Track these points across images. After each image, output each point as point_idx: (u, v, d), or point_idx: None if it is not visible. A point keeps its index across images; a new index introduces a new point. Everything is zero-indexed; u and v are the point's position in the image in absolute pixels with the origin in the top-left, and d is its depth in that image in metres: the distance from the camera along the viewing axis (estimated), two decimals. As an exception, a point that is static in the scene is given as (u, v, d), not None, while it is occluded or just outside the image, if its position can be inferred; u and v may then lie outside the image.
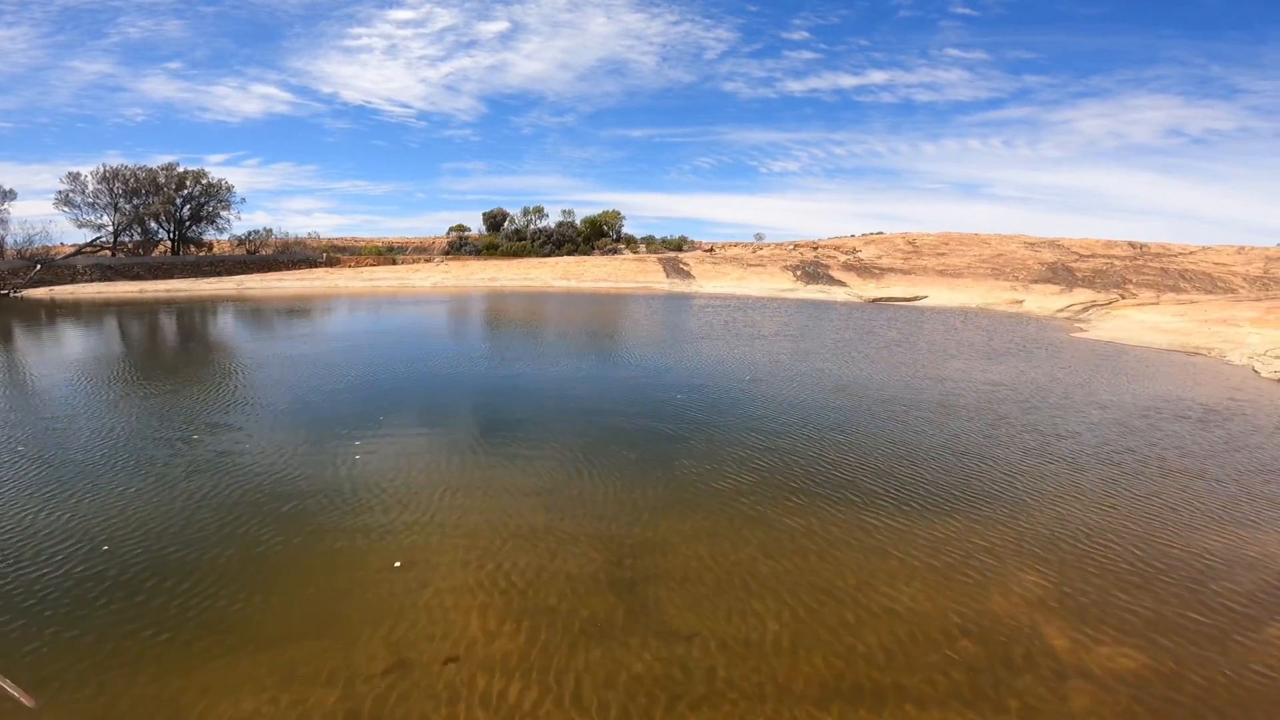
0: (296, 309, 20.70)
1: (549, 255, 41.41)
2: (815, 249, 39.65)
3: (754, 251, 42.14)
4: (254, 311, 20.33)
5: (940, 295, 25.32)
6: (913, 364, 11.29)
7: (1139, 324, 17.92)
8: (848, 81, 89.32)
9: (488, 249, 43.98)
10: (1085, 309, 22.37)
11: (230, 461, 5.86)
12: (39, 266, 30.66)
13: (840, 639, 3.40)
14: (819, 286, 28.32)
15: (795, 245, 43.38)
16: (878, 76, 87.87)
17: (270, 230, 43.56)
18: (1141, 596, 3.89)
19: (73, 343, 14.60)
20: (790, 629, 3.47)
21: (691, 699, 2.91)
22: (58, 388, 9.33)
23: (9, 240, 33.98)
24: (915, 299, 25.34)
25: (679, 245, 48.34)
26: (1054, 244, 34.25)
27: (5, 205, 34.33)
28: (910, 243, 37.50)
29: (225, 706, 2.81)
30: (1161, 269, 28.14)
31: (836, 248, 38.71)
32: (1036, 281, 26.96)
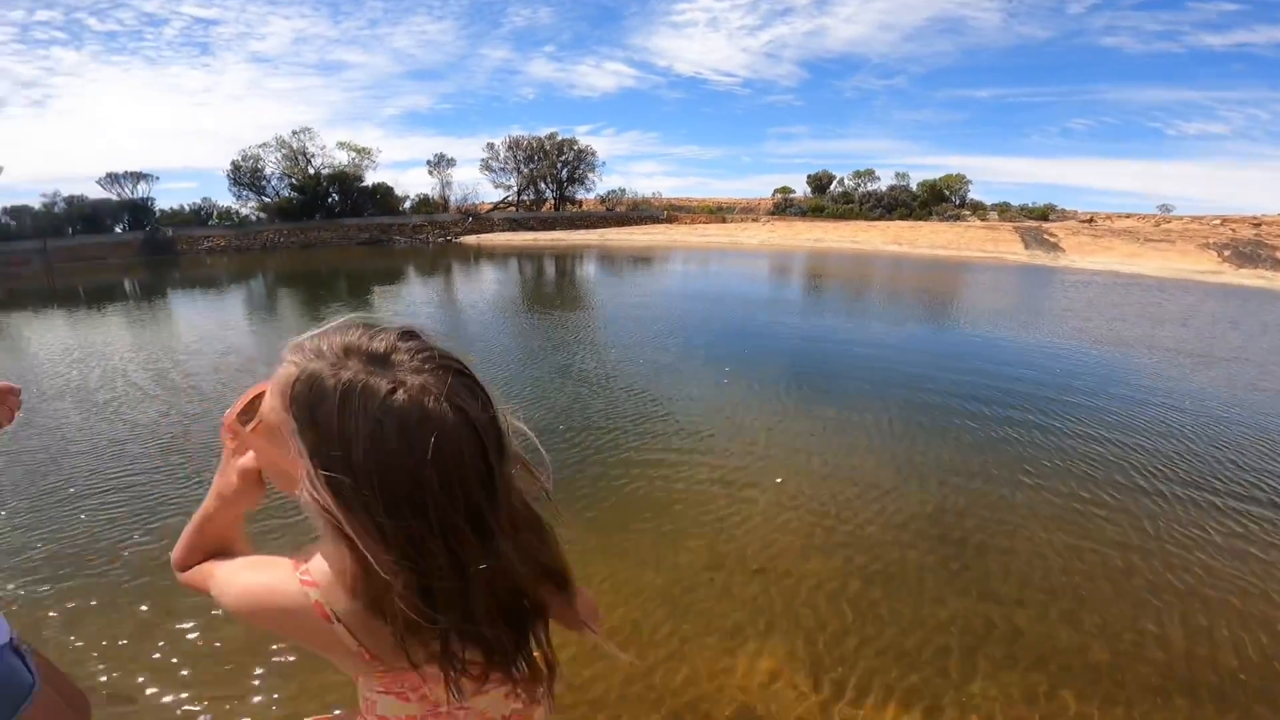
0: (648, 258, 23.52)
1: (879, 219, 38.96)
2: (1256, 226, 29.47)
3: (1155, 225, 33.30)
4: (613, 259, 23.74)
5: None
6: None
7: None
8: (1299, 34, 62.26)
9: (813, 211, 43.37)
10: None
11: (613, 377, 7.05)
12: (470, 219, 40.46)
13: (1186, 638, 2.78)
14: (1258, 271, 21.04)
15: (1223, 220, 32.96)
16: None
17: (624, 190, 49.97)
18: None
19: (502, 277, 19.11)
20: (1123, 618, 2.92)
21: (999, 659, 2.64)
22: (499, 312, 12.37)
23: (451, 198, 45.55)
24: None
25: (1044, 214, 40.80)
26: None
27: (449, 170, 46.03)
28: None
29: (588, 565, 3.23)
30: None
31: (1298, 223, 28.16)
32: None
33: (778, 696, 2.38)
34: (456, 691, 0.71)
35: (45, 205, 32.50)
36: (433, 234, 36.48)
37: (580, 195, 49.17)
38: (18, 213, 31.65)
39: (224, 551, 0.87)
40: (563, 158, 47.53)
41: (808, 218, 41.51)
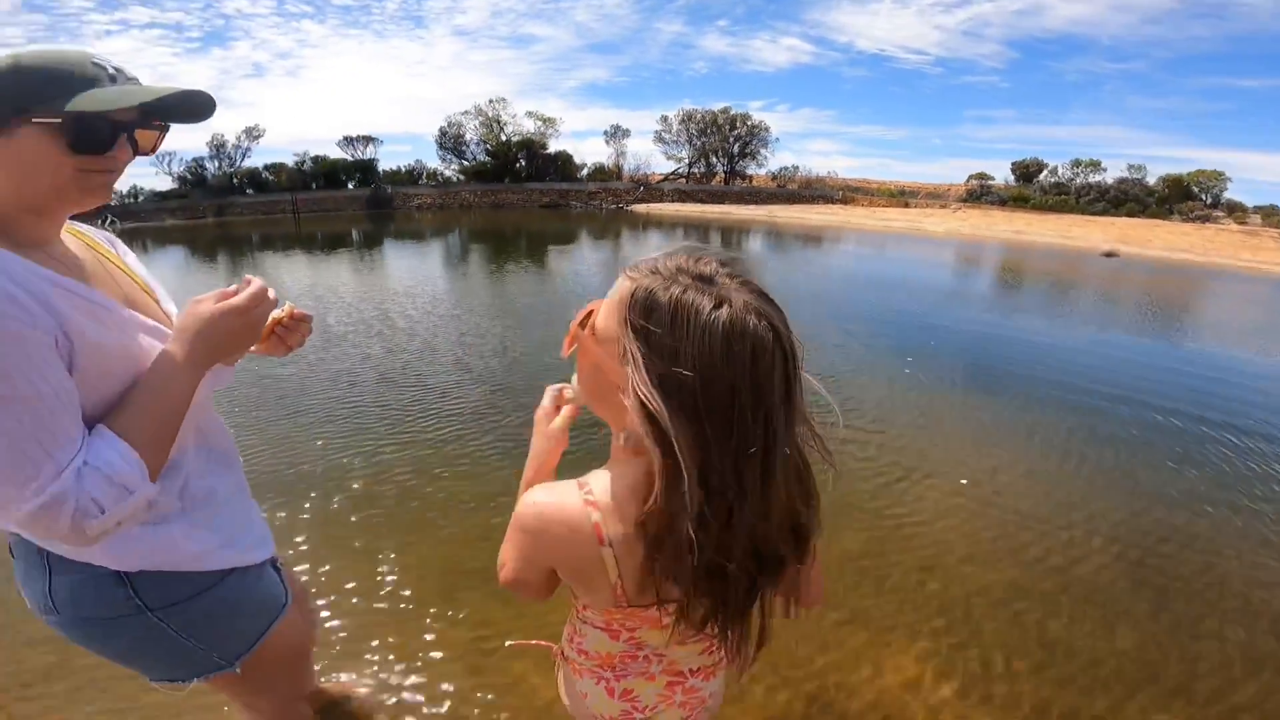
0: (819, 237, 22.51)
1: (1101, 214, 33.71)
2: None
3: None
4: (781, 236, 23.02)
5: None
6: None
7: None
8: None
9: (1015, 200, 38.59)
10: None
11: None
12: (641, 188, 41.37)
13: None
14: None
15: None
16: None
17: (797, 168, 48.11)
18: None
19: (668, 245, 19.36)
20: None
21: (1188, 697, 2.23)
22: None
23: (625, 168, 46.83)
24: None
25: (1328, 218, 32.74)
26: None
27: (624, 141, 47.26)
28: None
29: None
30: None
31: None
32: None
33: (918, 698, 2.21)
34: (689, 629, 0.74)
35: (297, 163, 38.59)
36: (606, 201, 37.92)
37: (751, 170, 48.18)
38: (275, 169, 37.94)
39: None
40: (735, 132, 46.78)
41: (1007, 207, 37.05)
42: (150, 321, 0.98)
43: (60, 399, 0.80)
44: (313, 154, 39.18)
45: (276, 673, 1.27)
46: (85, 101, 0.83)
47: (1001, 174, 44.97)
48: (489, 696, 2.10)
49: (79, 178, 0.88)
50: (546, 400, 0.96)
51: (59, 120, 0.82)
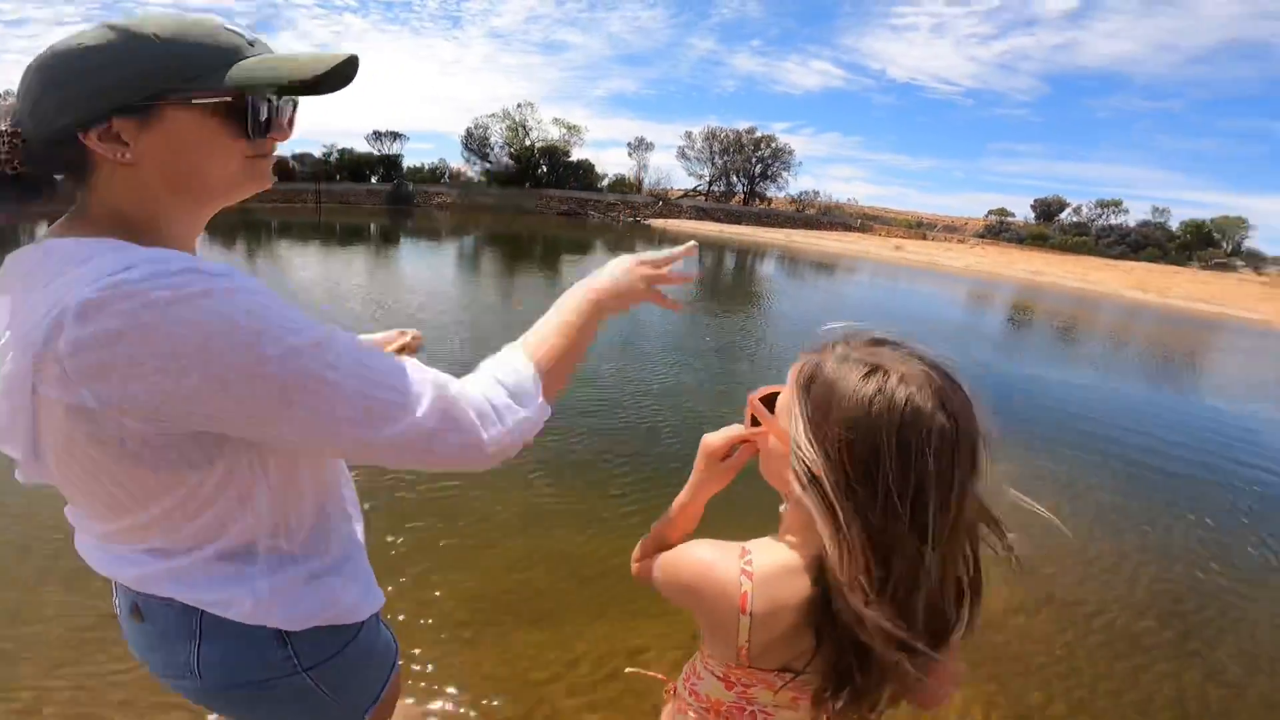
0: (833, 265, 22.51)
1: (1119, 258, 33.51)
2: None
3: None
4: (796, 262, 23.03)
5: None
6: None
7: None
8: None
9: (1033, 239, 38.48)
10: None
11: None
12: (660, 203, 41.61)
13: None
14: None
15: None
16: None
17: (817, 193, 48.29)
18: None
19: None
20: None
21: None
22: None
23: (645, 181, 47.17)
24: None
25: (1352, 277, 32.35)
26: None
27: (646, 154, 47.67)
28: None
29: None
30: None
31: None
32: None
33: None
34: (799, 698, 0.78)
35: (324, 154, 39.12)
36: (624, 213, 38.13)
37: (771, 193, 48.39)
38: (302, 158, 38.47)
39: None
40: (758, 153, 47.02)
41: (1025, 246, 36.94)
42: None
43: None
44: (340, 145, 39.74)
45: None
46: (256, 74, 0.69)
47: (1022, 210, 44.99)
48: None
49: (247, 164, 0.76)
50: (723, 435, 0.95)
51: (229, 99, 0.70)
